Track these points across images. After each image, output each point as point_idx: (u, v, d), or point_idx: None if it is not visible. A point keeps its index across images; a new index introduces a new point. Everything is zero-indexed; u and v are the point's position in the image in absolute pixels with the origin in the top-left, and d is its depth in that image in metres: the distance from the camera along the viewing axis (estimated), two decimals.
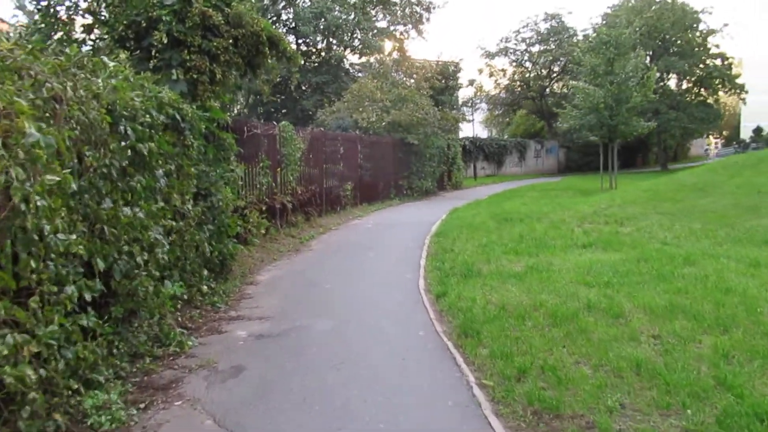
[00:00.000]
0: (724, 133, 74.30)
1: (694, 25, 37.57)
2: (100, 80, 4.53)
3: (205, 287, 6.97)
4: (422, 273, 8.49)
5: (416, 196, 22.61)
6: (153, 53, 7.13)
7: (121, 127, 4.81)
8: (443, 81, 29.89)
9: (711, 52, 38.32)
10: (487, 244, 10.04)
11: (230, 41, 7.69)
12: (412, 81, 26.76)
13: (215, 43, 7.44)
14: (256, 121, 11.50)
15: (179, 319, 6.25)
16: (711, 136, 74.33)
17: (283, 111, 31.03)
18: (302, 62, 31.64)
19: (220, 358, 5.12)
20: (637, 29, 23.46)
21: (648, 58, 33.74)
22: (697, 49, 37.63)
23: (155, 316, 5.44)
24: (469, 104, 39.58)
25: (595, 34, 21.55)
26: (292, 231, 12.65)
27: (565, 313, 5.54)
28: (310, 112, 27.35)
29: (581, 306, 5.78)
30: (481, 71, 47.11)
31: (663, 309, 5.46)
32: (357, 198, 18.32)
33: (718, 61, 38.60)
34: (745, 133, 66.04)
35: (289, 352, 5.26)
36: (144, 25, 7.01)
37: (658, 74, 22.62)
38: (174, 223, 6.17)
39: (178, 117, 6.35)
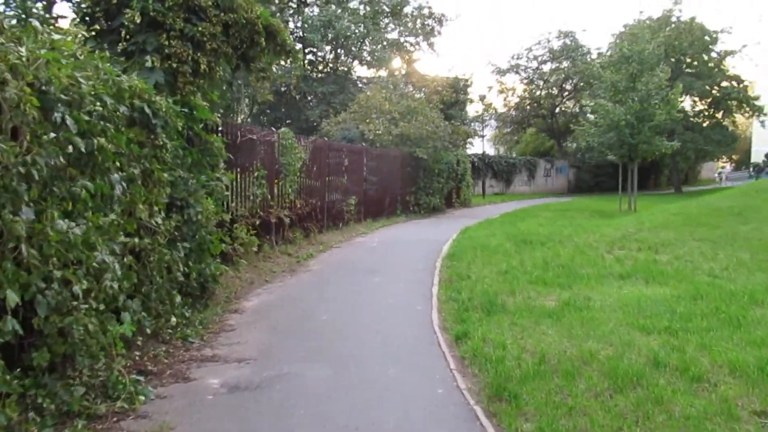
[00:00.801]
0: (734, 156, 72.92)
1: (711, 46, 36.50)
2: (23, 49, 3.38)
3: (174, 318, 5.76)
4: (435, 304, 7.28)
5: (423, 213, 21.43)
6: (124, 35, 5.99)
7: (57, 115, 3.65)
8: (454, 95, 28.89)
9: (728, 73, 37.21)
10: (507, 270, 8.83)
11: (219, 28, 6.56)
12: (422, 94, 25.79)
13: (200, 28, 6.30)
14: (252, 126, 10.36)
15: (138, 358, 5.06)
16: (720, 160, 73.09)
17: (288, 121, 30.03)
18: (308, 70, 30.75)
19: (180, 421, 3.91)
20: (659, 45, 22.33)
21: None
22: (716, 69, 36.54)
23: (99, 360, 4.25)
24: (479, 120, 38.51)
25: (617, 50, 20.45)
26: (289, 248, 11.47)
27: (627, 371, 4.31)
28: (315, 123, 26.30)
29: (645, 360, 4.55)
30: (490, 88, 46.13)
31: (755, 370, 4.23)
32: (361, 213, 17.16)
33: (735, 83, 37.47)
34: (756, 157, 64.60)
35: (271, 413, 4.04)
36: (115, 1, 5.89)
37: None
38: (137, 240, 5.01)
39: (147, 111, 5.20)
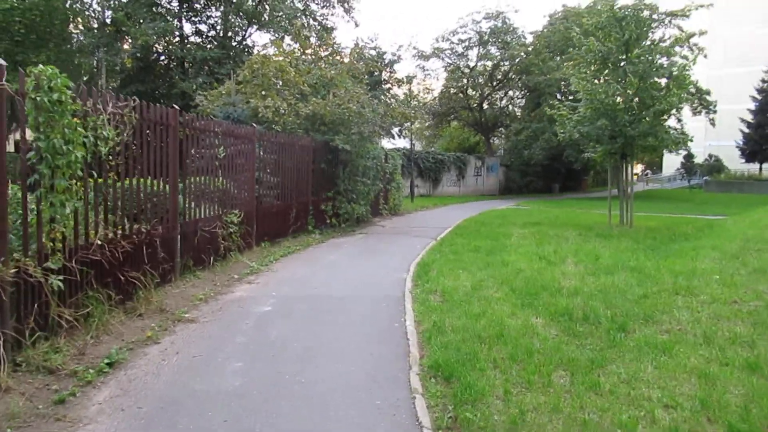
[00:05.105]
0: (645, 158, 71.87)
1: (667, 28, 32.79)
2: None
3: None
4: None
5: (346, 228, 15.12)
6: None
7: None
8: (379, 72, 22.77)
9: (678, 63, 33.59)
10: None
11: None
12: (341, 65, 19.37)
13: None
14: None
15: None
16: (639, 163, 72.02)
17: (160, 99, 22.60)
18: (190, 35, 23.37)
19: None
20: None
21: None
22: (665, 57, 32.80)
23: None
24: (407, 104, 32.60)
25: (606, 8, 15.12)
26: (63, 349, 4.85)
27: None
28: (193, 98, 19.19)
29: None
30: (414, 76, 40.40)
31: None
32: (251, 235, 10.62)
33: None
34: (669, 160, 63.32)
35: None
36: None
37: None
38: None
39: None
